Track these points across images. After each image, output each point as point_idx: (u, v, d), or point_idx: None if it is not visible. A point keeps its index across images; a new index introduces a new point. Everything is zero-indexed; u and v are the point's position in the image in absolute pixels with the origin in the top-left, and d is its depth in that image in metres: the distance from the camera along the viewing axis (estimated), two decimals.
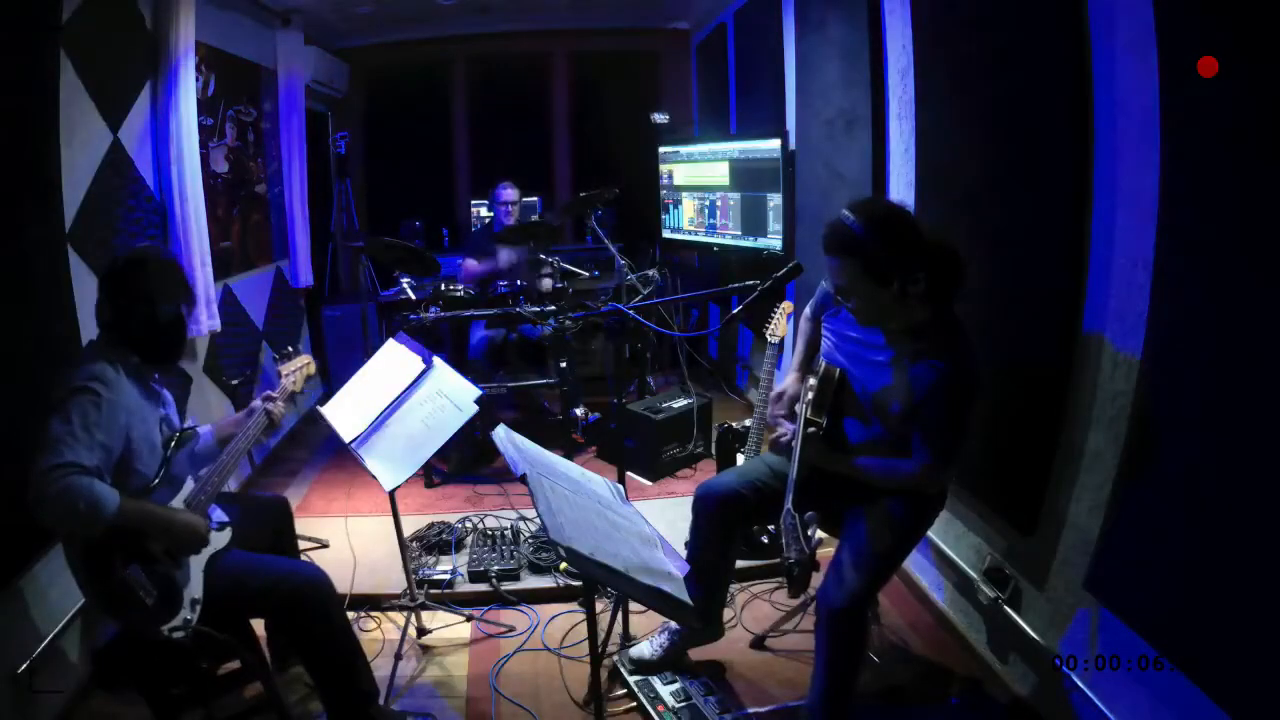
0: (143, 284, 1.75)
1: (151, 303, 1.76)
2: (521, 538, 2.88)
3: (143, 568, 1.60)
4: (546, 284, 4.10)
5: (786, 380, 2.04)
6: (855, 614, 1.77)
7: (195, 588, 1.70)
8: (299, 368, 2.11)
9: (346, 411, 2.33)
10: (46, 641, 2.01)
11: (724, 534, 2.08)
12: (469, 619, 2.51)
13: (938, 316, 1.73)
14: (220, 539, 1.82)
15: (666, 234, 4.82)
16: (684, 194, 4.57)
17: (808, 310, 2.07)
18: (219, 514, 1.87)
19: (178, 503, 1.75)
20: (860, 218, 1.65)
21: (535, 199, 5.39)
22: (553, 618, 2.51)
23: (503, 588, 2.62)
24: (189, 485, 1.80)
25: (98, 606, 1.62)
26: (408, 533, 2.80)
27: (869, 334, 1.81)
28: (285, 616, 1.82)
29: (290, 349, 2.16)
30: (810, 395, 1.85)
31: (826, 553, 2.75)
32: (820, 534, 2.16)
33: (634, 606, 2.38)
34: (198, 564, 1.73)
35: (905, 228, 1.67)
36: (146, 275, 1.76)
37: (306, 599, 1.79)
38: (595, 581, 1.77)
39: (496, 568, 2.67)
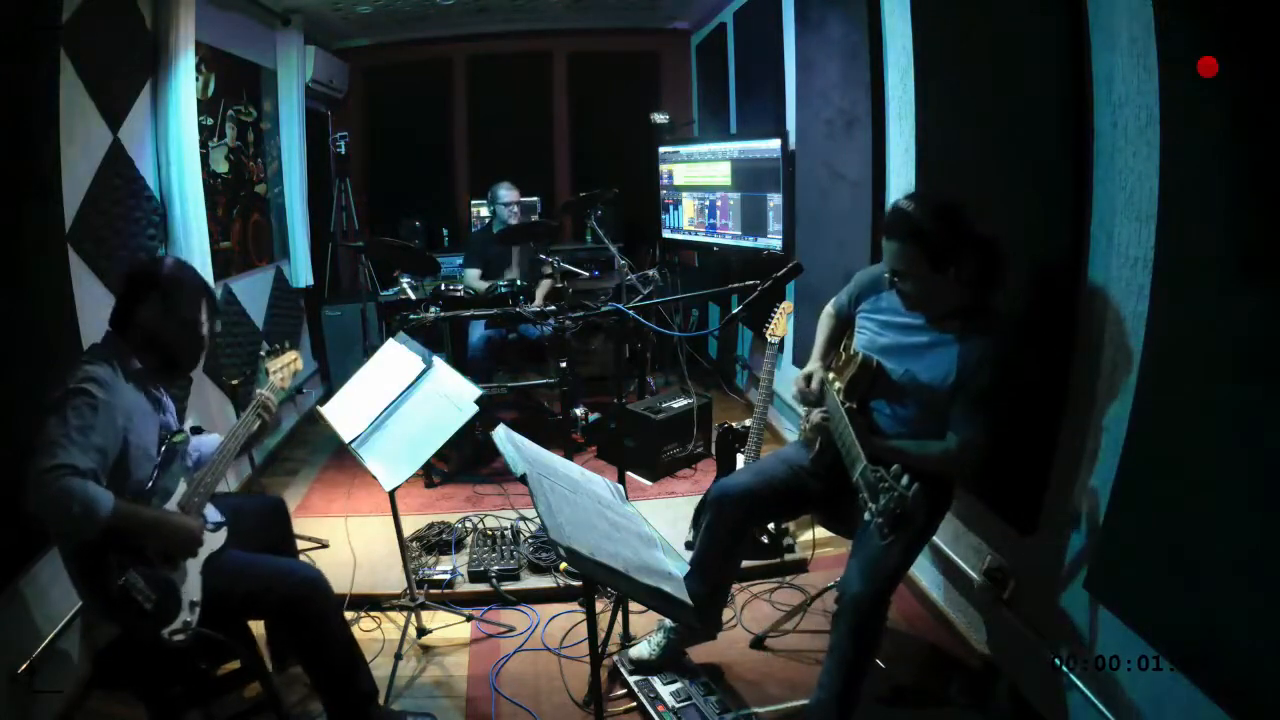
0: (179, 301, 1.78)
1: (181, 320, 1.78)
2: (521, 538, 2.88)
3: (140, 572, 1.59)
4: (546, 284, 4.10)
5: (813, 365, 2.07)
6: (878, 601, 1.78)
7: (194, 590, 1.69)
8: (286, 364, 2.11)
9: (347, 411, 2.33)
10: (47, 641, 2.01)
11: (736, 534, 2.08)
12: (469, 619, 2.51)
13: (979, 302, 1.82)
14: (216, 539, 1.81)
15: (666, 234, 4.82)
16: (684, 194, 4.56)
17: (830, 308, 2.14)
18: (214, 514, 1.86)
19: (172, 505, 1.74)
20: (922, 206, 1.77)
21: (535, 199, 5.39)
22: (553, 618, 2.51)
23: (502, 588, 2.62)
24: (182, 487, 1.80)
25: (98, 613, 1.62)
26: (408, 533, 2.80)
27: (912, 318, 1.89)
28: (282, 617, 1.82)
29: (278, 345, 2.14)
30: (848, 376, 1.89)
31: (829, 553, 2.76)
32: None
33: (634, 606, 2.38)
34: (195, 565, 1.72)
35: (961, 217, 1.77)
36: (184, 293, 1.79)
37: (304, 599, 1.79)
38: (595, 581, 1.76)
39: (496, 568, 2.67)
